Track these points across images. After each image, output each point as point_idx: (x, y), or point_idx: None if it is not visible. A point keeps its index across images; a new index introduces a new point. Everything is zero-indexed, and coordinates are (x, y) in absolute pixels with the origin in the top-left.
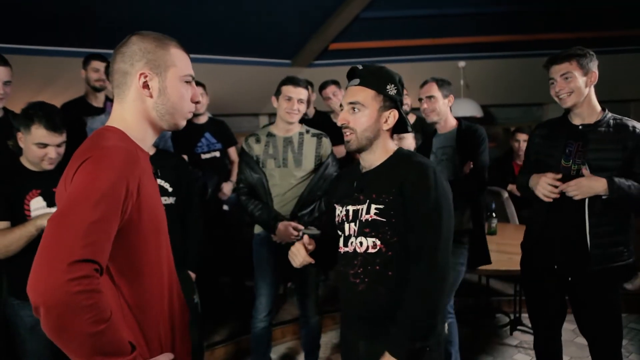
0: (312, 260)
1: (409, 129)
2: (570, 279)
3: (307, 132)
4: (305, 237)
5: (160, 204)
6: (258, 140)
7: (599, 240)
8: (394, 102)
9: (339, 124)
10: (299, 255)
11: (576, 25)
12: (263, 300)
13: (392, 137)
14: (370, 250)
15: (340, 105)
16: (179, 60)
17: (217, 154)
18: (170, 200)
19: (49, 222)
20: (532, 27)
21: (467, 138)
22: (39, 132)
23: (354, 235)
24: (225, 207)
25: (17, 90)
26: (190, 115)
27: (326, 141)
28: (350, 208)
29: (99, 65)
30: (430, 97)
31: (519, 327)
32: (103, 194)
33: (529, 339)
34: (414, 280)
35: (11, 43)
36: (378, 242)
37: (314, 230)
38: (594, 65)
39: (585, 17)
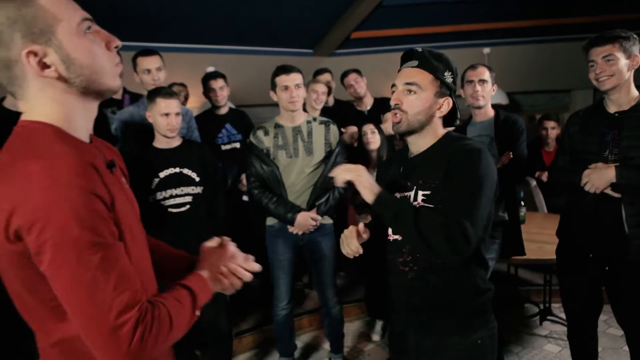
0: (361, 251)
1: (458, 121)
2: (607, 268)
3: (315, 119)
4: (361, 225)
5: (123, 199)
6: (266, 133)
7: (637, 229)
8: (450, 91)
9: (392, 103)
10: (352, 245)
11: (603, 8)
12: (282, 290)
13: (444, 125)
14: None
15: (393, 85)
16: (59, 9)
17: (237, 145)
18: (198, 189)
19: (63, 292)
20: (557, 11)
21: (507, 128)
22: None
23: None
24: (245, 198)
25: None
26: (119, 68)
27: (334, 128)
28: (398, 195)
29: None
30: (482, 80)
31: (548, 317)
32: (89, 226)
33: (559, 329)
34: (442, 218)
35: None
36: None
37: (367, 219)
38: (636, 49)
39: None
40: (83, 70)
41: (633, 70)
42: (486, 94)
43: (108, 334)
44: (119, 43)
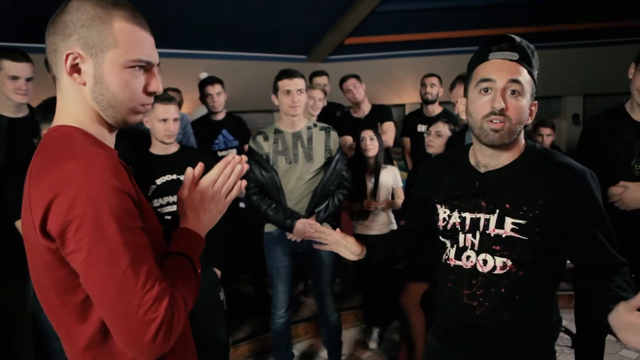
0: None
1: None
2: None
3: (315, 125)
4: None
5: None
6: (266, 138)
7: None
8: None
9: (497, 107)
10: (352, 247)
11: (596, 16)
12: (280, 297)
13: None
14: (498, 272)
15: (482, 81)
16: (125, 40)
17: (234, 151)
18: None
19: (94, 288)
20: (550, 18)
21: None
22: None
23: (472, 249)
24: (242, 205)
25: (41, 87)
26: (144, 109)
27: (334, 134)
28: (468, 215)
29: None
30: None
31: None
32: (122, 224)
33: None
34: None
35: (33, 42)
36: (509, 263)
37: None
38: None
39: (601, 6)
40: (107, 94)
41: None
42: None
43: (137, 330)
44: (159, 91)
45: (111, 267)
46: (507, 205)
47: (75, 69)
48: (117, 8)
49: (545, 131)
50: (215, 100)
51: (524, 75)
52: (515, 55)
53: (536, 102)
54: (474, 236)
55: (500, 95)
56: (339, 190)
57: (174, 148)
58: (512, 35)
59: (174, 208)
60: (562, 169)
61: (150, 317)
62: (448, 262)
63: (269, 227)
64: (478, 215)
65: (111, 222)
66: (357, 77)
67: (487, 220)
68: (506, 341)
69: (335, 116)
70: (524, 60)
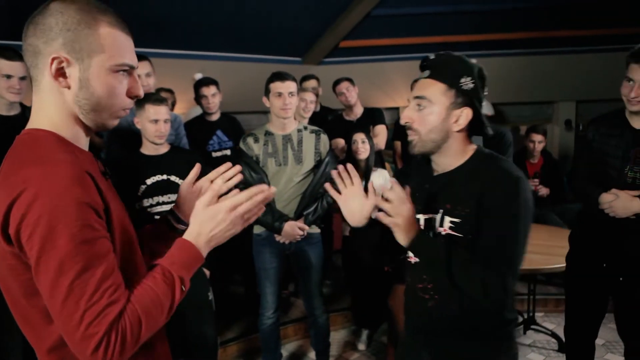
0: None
1: (489, 131)
2: (621, 279)
3: (305, 128)
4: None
5: (120, 207)
6: (256, 140)
7: None
8: (469, 99)
9: (402, 122)
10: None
11: (586, 23)
12: (269, 299)
13: (469, 138)
14: None
15: (408, 100)
16: (111, 44)
17: (228, 152)
18: None
19: (45, 297)
20: (542, 24)
21: (495, 141)
22: None
23: None
24: None
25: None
26: (124, 114)
27: (324, 137)
28: (422, 217)
29: None
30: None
31: (532, 326)
32: (76, 237)
33: (542, 338)
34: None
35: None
36: None
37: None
38: None
39: (595, 14)
40: (92, 98)
41: None
42: None
43: (79, 342)
44: (141, 95)
45: (58, 278)
46: (448, 206)
47: (60, 72)
48: (102, 13)
49: (537, 137)
50: (210, 102)
51: (432, 90)
52: (427, 73)
53: (466, 107)
54: (430, 235)
55: (408, 111)
56: (327, 193)
57: (164, 149)
58: (428, 55)
59: (163, 208)
60: (495, 173)
61: (91, 332)
62: (409, 259)
63: (257, 229)
64: (430, 216)
65: (64, 232)
66: (350, 80)
67: (435, 219)
68: (458, 334)
69: (328, 120)
70: (435, 75)
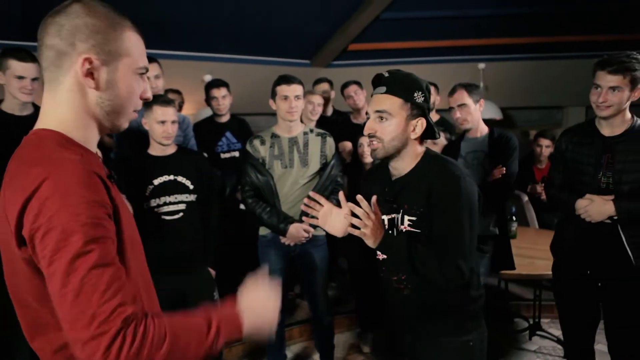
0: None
1: (437, 135)
2: (600, 284)
3: (312, 131)
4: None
5: (125, 210)
6: (263, 142)
7: (639, 250)
8: (422, 110)
9: (365, 132)
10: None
11: (596, 28)
12: None
13: (421, 143)
14: None
15: (367, 113)
16: (135, 48)
17: (237, 154)
18: (192, 197)
19: (55, 297)
20: (552, 29)
21: (500, 145)
22: None
23: None
24: (243, 207)
25: (41, 88)
26: (135, 115)
27: (330, 140)
28: (385, 218)
29: None
30: (461, 105)
31: (537, 332)
32: (87, 232)
33: (548, 344)
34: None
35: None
36: None
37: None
38: None
39: (606, 19)
40: (117, 100)
41: (633, 100)
42: (470, 115)
43: (89, 341)
44: (150, 97)
45: (69, 275)
46: (406, 206)
47: (88, 73)
48: (123, 17)
49: (545, 142)
50: (220, 103)
51: (390, 103)
52: (383, 89)
53: (421, 118)
54: (394, 233)
55: (370, 123)
56: (333, 195)
57: (171, 149)
58: (382, 73)
59: (170, 208)
60: (441, 173)
61: (103, 329)
62: (378, 257)
63: (263, 231)
64: (392, 216)
65: (75, 229)
66: (358, 83)
67: (397, 219)
68: (433, 312)
69: (341, 127)
70: (392, 91)
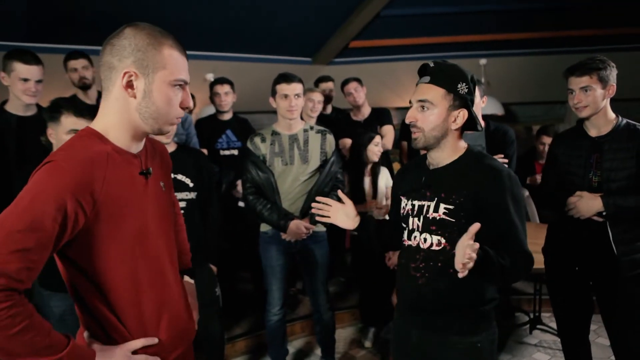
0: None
1: (479, 127)
2: (591, 283)
3: (312, 128)
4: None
5: (149, 202)
6: (263, 140)
7: (625, 247)
8: (464, 101)
9: (407, 121)
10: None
11: (597, 22)
12: (275, 295)
13: (461, 135)
14: (435, 248)
15: (410, 102)
16: (171, 63)
17: (236, 151)
18: (192, 195)
19: None
20: (553, 24)
21: (497, 139)
22: (68, 120)
23: (417, 230)
24: (241, 204)
25: (45, 89)
26: (178, 121)
27: (330, 137)
28: (416, 203)
29: (75, 64)
30: None
31: (538, 326)
32: (34, 211)
33: (549, 338)
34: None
35: (43, 42)
36: (443, 241)
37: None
38: (613, 78)
39: (606, 13)
40: (153, 107)
41: (609, 97)
42: (475, 108)
43: None
44: (190, 106)
45: (8, 215)
46: (443, 194)
47: (129, 84)
48: (165, 37)
49: (547, 140)
50: (223, 100)
51: (433, 94)
52: (427, 79)
53: (462, 109)
54: (419, 219)
55: (412, 112)
56: (333, 192)
57: (171, 148)
58: (428, 62)
59: None
60: (484, 168)
61: None
62: (404, 242)
63: (264, 227)
64: (423, 203)
65: (29, 203)
66: (358, 80)
67: (429, 206)
68: (442, 308)
69: (340, 124)
70: (436, 81)
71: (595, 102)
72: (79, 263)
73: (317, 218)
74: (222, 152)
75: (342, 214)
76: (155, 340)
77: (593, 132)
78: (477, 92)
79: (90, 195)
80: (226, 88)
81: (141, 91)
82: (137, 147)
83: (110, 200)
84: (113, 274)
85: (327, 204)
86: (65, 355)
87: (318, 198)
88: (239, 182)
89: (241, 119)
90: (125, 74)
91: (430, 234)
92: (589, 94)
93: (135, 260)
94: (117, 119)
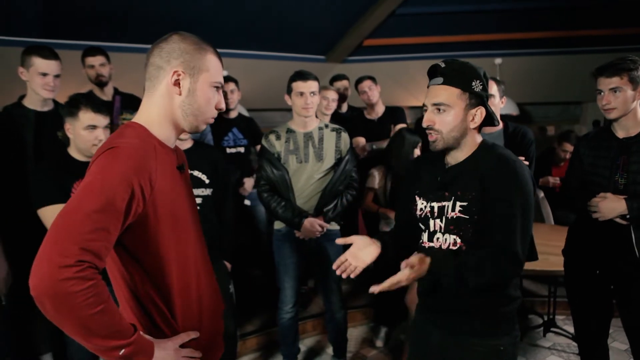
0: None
1: (497, 122)
2: (612, 287)
3: (327, 126)
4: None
5: (185, 195)
6: (278, 137)
7: None
8: (481, 99)
9: (424, 125)
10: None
11: (613, 21)
12: (288, 293)
13: (479, 132)
14: (452, 248)
15: (424, 105)
16: (213, 67)
17: (242, 149)
18: (207, 191)
19: (56, 216)
20: (569, 23)
21: (516, 139)
22: (86, 116)
23: (440, 232)
24: (247, 202)
25: (62, 85)
26: (211, 121)
27: (345, 135)
28: (435, 205)
29: (93, 60)
30: (490, 96)
31: (552, 329)
32: (107, 192)
33: (563, 341)
34: (490, 252)
35: (60, 38)
36: (459, 240)
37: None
38: None
39: (624, 12)
40: (195, 104)
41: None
42: (494, 107)
43: (51, 261)
44: (223, 108)
45: (79, 200)
46: (459, 192)
47: (176, 82)
48: (208, 45)
49: (570, 148)
50: (228, 98)
51: (448, 95)
52: (440, 80)
53: (480, 107)
54: (442, 220)
55: (429, 115)
56: (347, 190)
57: (187, 144)
58: (438, 63)
59: None
60: (495, 158)
61: (68, 258)
62: (423, 244)
63: (278, 225)
64: (443, 204)
65: (98, 193)
66: (372, 78)
67: (448, 207)
68: (463, 309)
69: (355, 123)
70: (449, 82)
71: (625, 104)
72: (134, 251)
73: (352, 275)
74: (228, 150)
75: (360, 253)
76: (198, 335)
77: (621, 134)
78: (497, 92)
79: (148, 181)
80: (231, 86)
81: (186, 89)
82: (172, 144)
83: (161, 189)
84: (165, 263)
85: (344, 262)
86: (133, 342)
87: (335, 266)
88: (246, 180)
89: (248, 118)
90: (174, 72)
91: (450, 234)
92: (618, 95)
93: (182, 250)
94: (160, 115)
